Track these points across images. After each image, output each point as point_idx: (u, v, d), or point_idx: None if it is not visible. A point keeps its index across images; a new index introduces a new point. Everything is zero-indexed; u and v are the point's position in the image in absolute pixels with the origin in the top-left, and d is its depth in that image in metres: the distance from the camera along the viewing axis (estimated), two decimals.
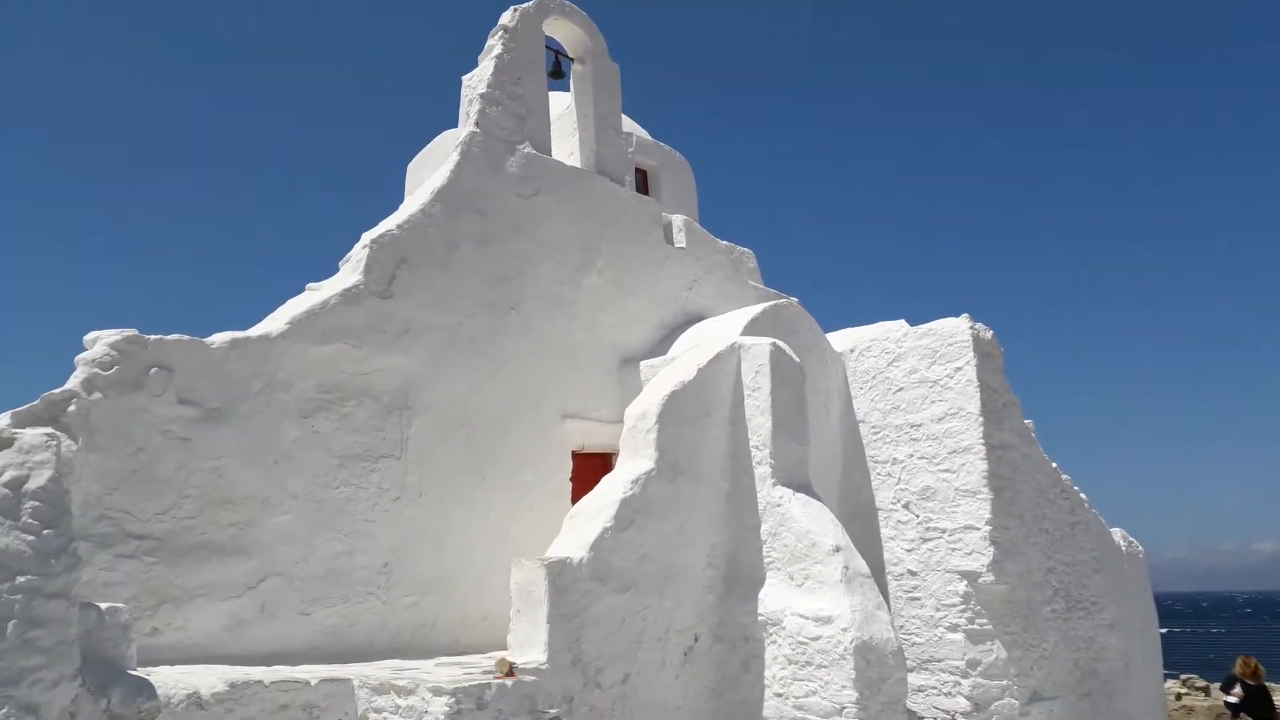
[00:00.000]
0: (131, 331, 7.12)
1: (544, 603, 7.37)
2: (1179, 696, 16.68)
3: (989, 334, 10.46)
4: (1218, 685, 17.18)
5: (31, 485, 5.07)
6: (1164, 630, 12.98)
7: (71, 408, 6.67)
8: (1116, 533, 12.09)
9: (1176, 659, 14.52)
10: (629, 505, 8.15)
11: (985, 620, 9.58)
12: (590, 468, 10.01)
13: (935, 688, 9.74)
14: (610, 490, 8.30)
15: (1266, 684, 12.42)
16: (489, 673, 6.49)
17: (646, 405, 8.82)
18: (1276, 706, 12.36)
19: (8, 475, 5.04)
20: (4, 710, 4.73)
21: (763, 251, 13.13)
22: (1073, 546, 11.03)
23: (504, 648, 7.75)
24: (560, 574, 7.48)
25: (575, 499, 9.20)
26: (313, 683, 6.17)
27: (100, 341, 7.02)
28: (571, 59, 11.23)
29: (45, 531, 5.03)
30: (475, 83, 9.98)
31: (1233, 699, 11.56)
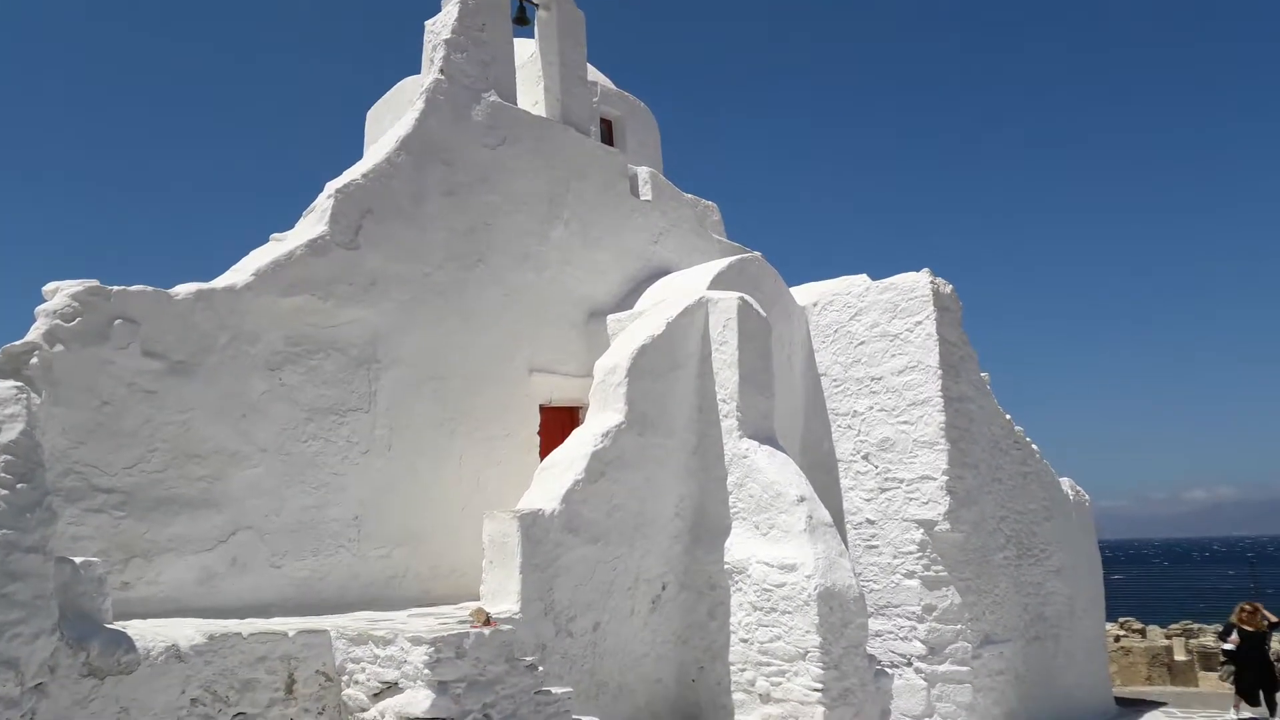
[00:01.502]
0: (93, 282, 6.97)
1: (517, 553, 7.48)
2: (1117, 639, 17.41)
3: (949, 288, 10.66)
4: (1209, 631, 17.68)
5: (3, 439, 4.98)
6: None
7: (34, 360, 6.53)
8: (1065, 482, 12.52)
9: (1114, 603, 15.12)
10: (599, 458, 8.25)
11: (941, 567, 9.90)
12: (558, 421, 10.08)
13: (892, 632, 10.08)
14: (581, 443, 8.38)
15: (1199, 626, 12.86)
16: (464, 623, 6.57)
17: (616, 359, 8.88)
18: (1275, 653, 12.42)
19: None
20: None
21: (726, 204, 13.17)
22: (1024, 496, 11.41)
23: (474, 599, 7.85)
24: (532, 525, 7.58)
25: (543, 453, 9.28)
26: (290, 634, 6.19)
27: (61, 292, 6.85)
28: (536, 5, 11.05)
29: (19, 485, 4.96)
30: (439, 28, 9.79)
31: (1229, 645, 11.70)
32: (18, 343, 6.56)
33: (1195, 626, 19.80)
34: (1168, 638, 18.61)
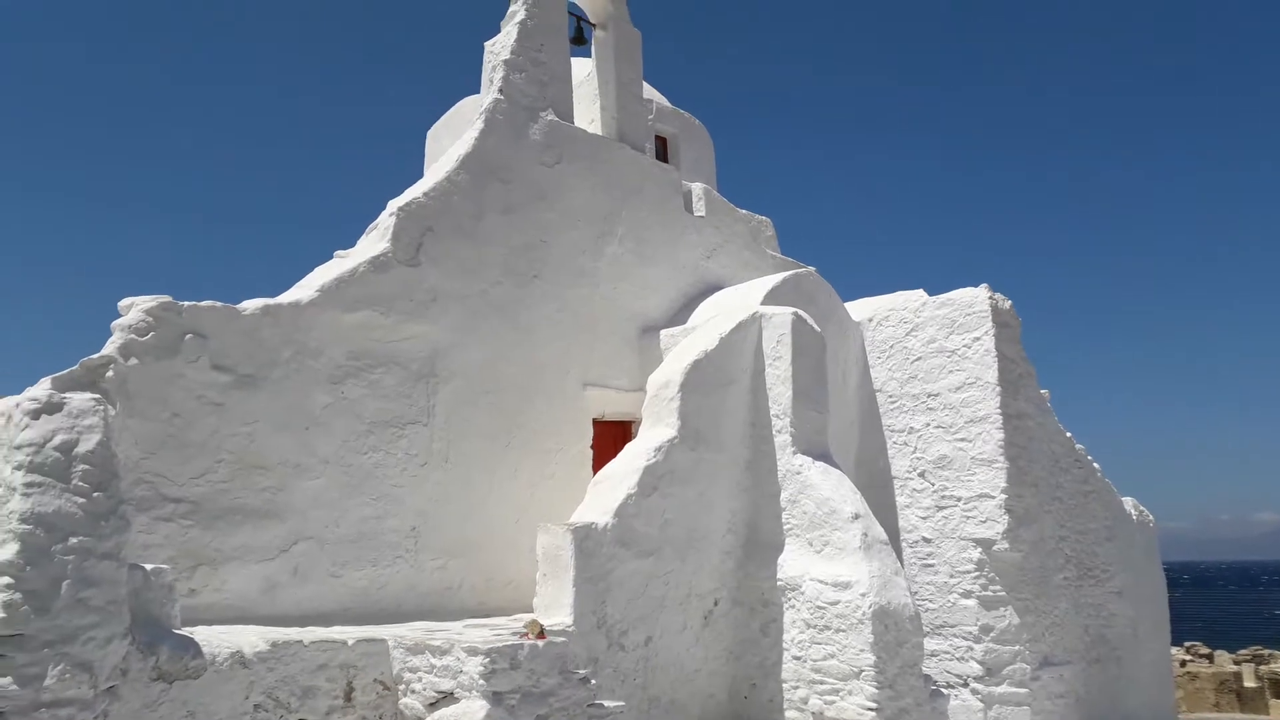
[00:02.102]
0: (166, 298, 7.22)
1: (570, 567, 7.54)
2: (1183, 664, 16.92)
3: (1007, 304, 10.52)
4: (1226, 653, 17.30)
5: (81, 449, 5.18)
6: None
7: (109, 373, 6.78)
8: (1128, 502, 12.22)
9: (1180, 627, 14.68)
10: (652, 472, 8.29)
11: (998, 587, 9.74)
12: (610, 436, 10.15)
13: (948, 653, 9.93)
14: (634, 457, 8.43)
15: (1270, 651, 12.47)
16: (517, 634, 6.65)
17: (669, 374, 8.92)
18: None
19: (58, 439, 5.16)
20: (60, 667, 4.88)
21: (780, 220, 13.15)
22: (1085, 515, 11.17)
23: (528, 610, 7.93)
24: (586, 538, 7.64)
25: (596, 466, 9.34)
26: (350, 643, 6.33)
27: (136, 308, 7.12)
28: (593, 25, 11.20)
29: (95, 494, 5.15)
30: (498, 49, 9.97)
31: None
32: (95, 356, 6.82)
33: (1266, 652, 19.17)
34: (1237, 663, 18.04)
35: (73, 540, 5.02)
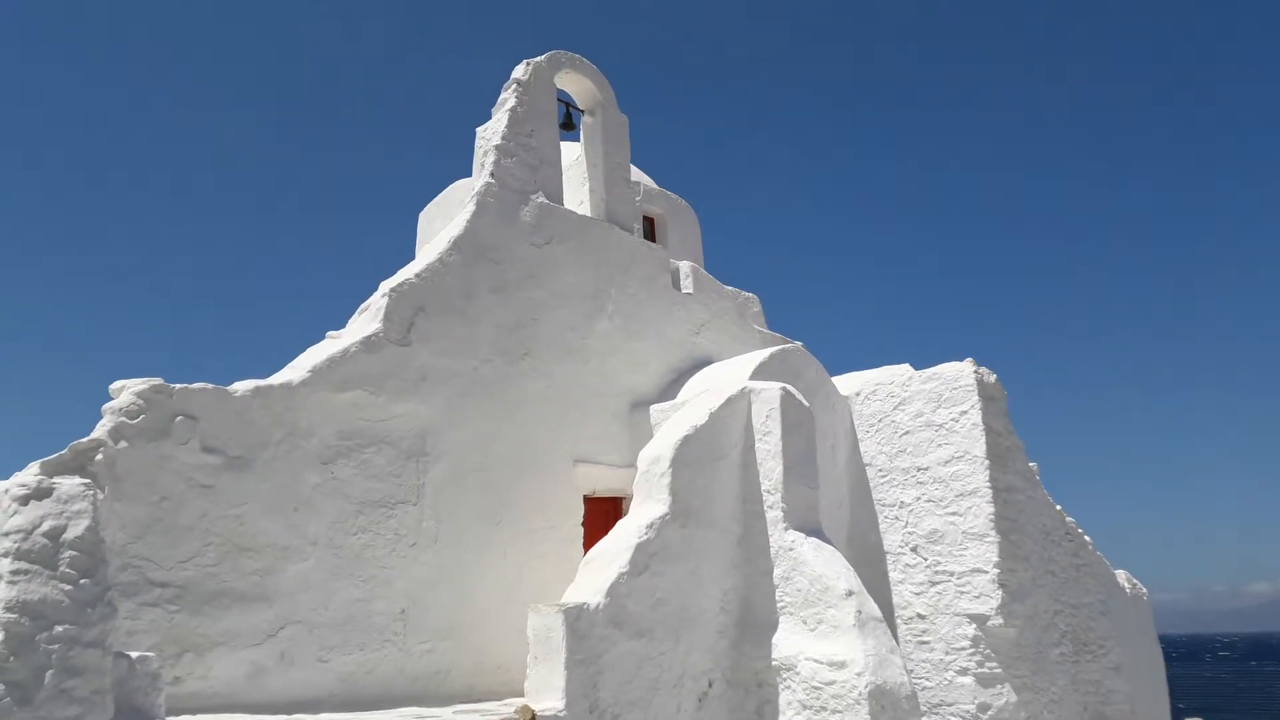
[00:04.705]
0: (157, 380, 7.24)
1: (561, 649, 7.43)
2: None
3: (993, 378, 10.63)
4: None
5: (69, 535, 5.14)
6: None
7: (99, 456, 6.74)
8: (1121, 575, 12.17)
9: (1178, 700, 14.47)
10: (644, 550, 8.23)
11: (995, 664, 9.63)
12: (601, 512, 10.10)
13: None
14: (625, 535, 8.38)
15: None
16: None
17: (660, 449, 8.93)
18: None
19: (46, 525, 5.12)
20: None
21: (766, 295, 13.34)
22: (1079, 589, 11.11)
23: (519, 694, 7.78)
24: (577, 619, 7.54)
25: (588, 544, 9.28)
26: None
27: (127, 390, 7.13)
28: (582, 111, 11.49)
29: (82, 581, 5.09)
30: (489, 134, 10.21)
31: None
32: (84, 439, 6.77)
33: None
34: None
35: (58, 629, 4.94)
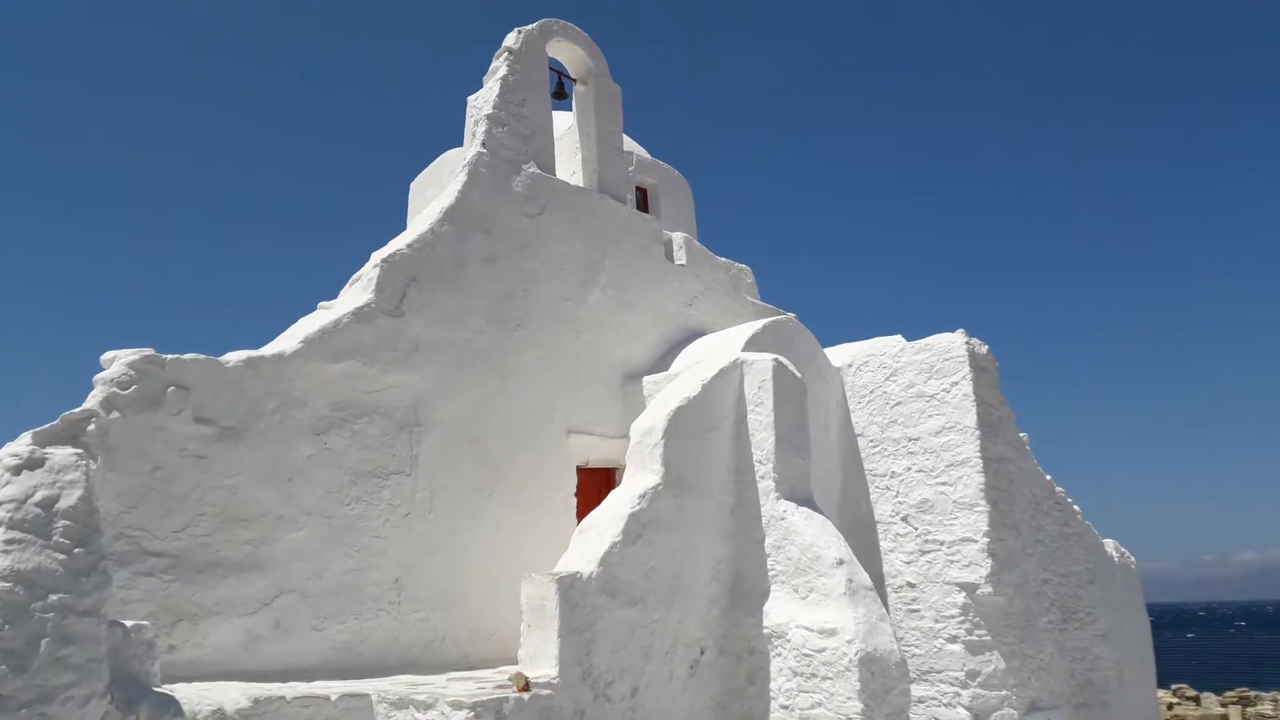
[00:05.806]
0: (149, 351, 7.22)
1: (555, 617, 7.49)
2: (1170, 706, 16.88)
3: (984, 349, 10.66)
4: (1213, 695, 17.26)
5: (63, 505, 5.16)
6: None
7: (91, 427, 6.74)
8: (1109, 544, 12.29)
9: (1166, 669, 14.66)
10: (637, 519, 8.28)
11: (984, 631, 9.75)
12: (594, 483, 10.14)
13: (935, 698, 9.89)
14: (618, 505, 8.43)
15: (1255, 693, 12.50)
16: (502, 687, 6.59)
17: (653, 420, 8.96)
18: None
19: (39, 495, 5.14)
20: None
21: (759, 267, 13.32)
22: (1067, 558, 11.22)
23: (512, 662, 7.86)
24: (570, 588, 7.60)
25: (581, 514, 9.33)
26: (333, 698, 6.26)
27: (118, 361, 7.11)
28: (574, 80, 11.40)
29: (76, 550, 5.12)
30: (481, 104, 10.13)
31: None
32: (76, 410, 6.76)
33: (1253, 694, 19.13)
34: (1224, 705, 18.00)
35: (52, 598, 4.98)
